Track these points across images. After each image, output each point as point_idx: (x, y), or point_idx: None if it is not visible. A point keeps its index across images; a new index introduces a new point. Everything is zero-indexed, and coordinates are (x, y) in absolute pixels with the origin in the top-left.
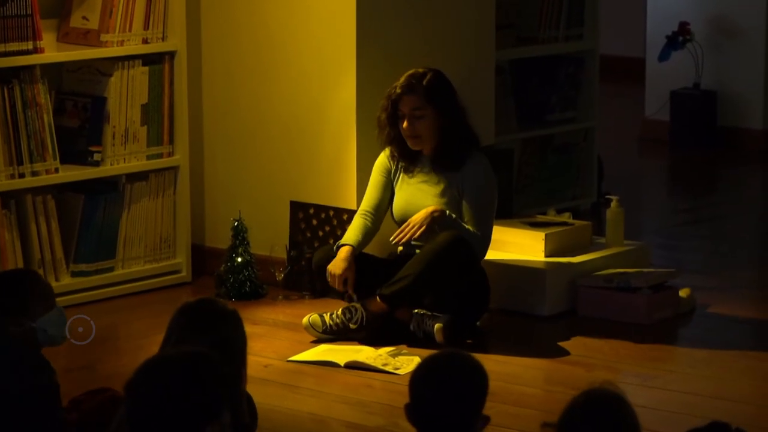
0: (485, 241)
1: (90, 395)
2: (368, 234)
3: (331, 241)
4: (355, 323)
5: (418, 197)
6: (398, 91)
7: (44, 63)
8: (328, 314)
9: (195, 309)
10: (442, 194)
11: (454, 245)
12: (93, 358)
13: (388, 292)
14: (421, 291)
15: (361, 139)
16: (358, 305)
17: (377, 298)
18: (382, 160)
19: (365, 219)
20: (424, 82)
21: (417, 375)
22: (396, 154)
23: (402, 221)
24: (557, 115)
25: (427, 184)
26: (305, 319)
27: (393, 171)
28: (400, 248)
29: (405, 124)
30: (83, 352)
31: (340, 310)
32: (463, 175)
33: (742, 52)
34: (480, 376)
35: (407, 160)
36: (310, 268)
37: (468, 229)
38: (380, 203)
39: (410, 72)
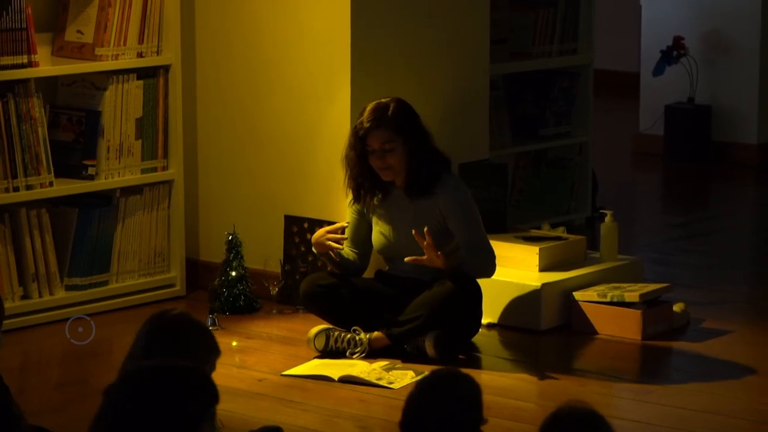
0: (494, 256)
1: None
2: (348, 258)
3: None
4: (352, 355)
5: (398, 230)
6: (366, 125)
7: (39, 77)
8: (335, 335)
9: (161, 320)
10: (421, 224)
11: (464, 287)
12: (86, 372)
13: (397, 333)
14: (429, 330)
15: None
16: (365, 338)
17: (383, 334)
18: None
19: (349, 249)
20: (389, 114)
21: (413, 395)
22: (365, 191)
23: (384, 253)
24: (551, 130)
25: (404, 216)
26: (312, 332)
27: (365, 210)
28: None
29: (376, 159)
30: (76, 367)
31: (347, 336)
32: (439, 199)
33: (737, 66)
34: (475, 395)
35: (379, 191)
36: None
37: (483, 261)
38: (357, 236)
39: (372, 105)
